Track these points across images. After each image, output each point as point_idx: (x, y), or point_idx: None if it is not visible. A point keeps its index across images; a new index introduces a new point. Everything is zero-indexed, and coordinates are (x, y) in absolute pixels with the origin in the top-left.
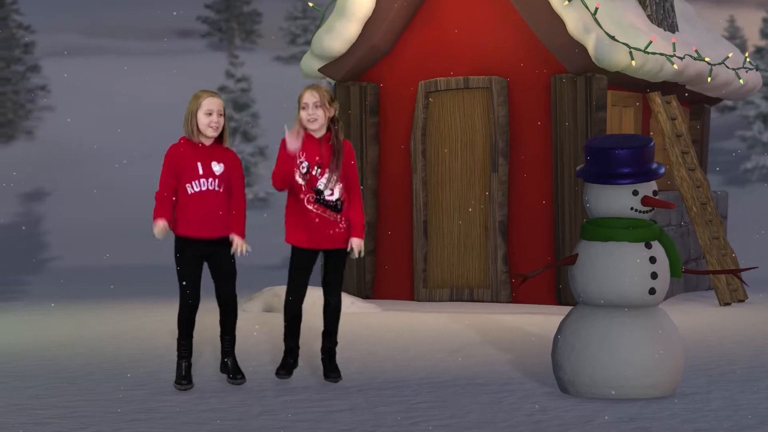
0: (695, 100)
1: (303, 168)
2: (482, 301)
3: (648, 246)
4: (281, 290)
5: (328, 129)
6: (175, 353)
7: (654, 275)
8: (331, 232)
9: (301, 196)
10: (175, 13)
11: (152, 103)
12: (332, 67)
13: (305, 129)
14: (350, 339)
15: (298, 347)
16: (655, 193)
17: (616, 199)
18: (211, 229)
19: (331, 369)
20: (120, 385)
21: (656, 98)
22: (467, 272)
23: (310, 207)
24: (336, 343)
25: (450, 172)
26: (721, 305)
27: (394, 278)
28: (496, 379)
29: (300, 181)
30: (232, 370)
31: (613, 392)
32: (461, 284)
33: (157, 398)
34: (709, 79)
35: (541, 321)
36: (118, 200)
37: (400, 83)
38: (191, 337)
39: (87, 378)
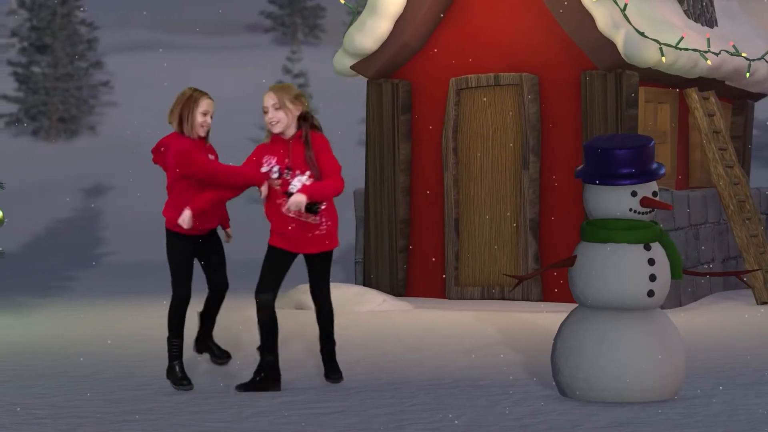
0: (737, 96)
1: (274, 173)
2: (513, 300)
3: (647, 248)
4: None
5: (301, 127)
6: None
7: (653, 277)
8: (310, 234)
9: (277, 201)
10: (240, 9)
11: (216, 99)
12: (364, 64)
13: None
14: (366, 338)
15: (276, 361)
16: (655, 194)
17: (615, 200)
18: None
19: (331, 370)
20: (124, 385)
21: (693, 94)
22: (498, 270)
23: (284, 212)
24: (334, 343)
25: (481, 169)
26: (758, 304)
27: (426, 276)
28: (500, 380)
29: (275, 185)
30: (216, 351)
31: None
32: (492, 282)
33: (156, 399)
34: (747, 74)
35: None
36: None
37: (432, 80)
38: (182, 336)
39: (95, 378)
